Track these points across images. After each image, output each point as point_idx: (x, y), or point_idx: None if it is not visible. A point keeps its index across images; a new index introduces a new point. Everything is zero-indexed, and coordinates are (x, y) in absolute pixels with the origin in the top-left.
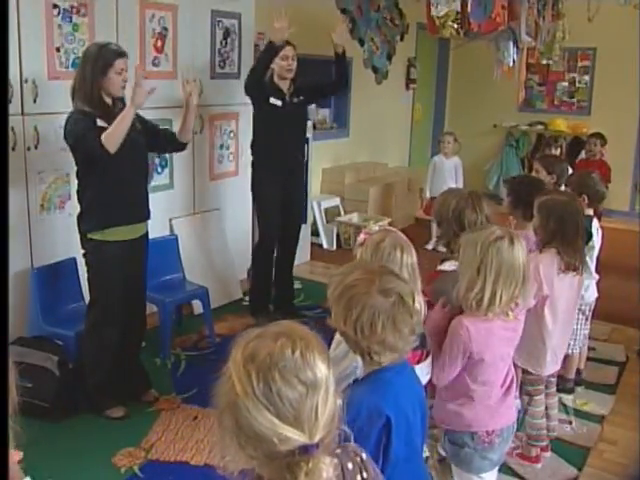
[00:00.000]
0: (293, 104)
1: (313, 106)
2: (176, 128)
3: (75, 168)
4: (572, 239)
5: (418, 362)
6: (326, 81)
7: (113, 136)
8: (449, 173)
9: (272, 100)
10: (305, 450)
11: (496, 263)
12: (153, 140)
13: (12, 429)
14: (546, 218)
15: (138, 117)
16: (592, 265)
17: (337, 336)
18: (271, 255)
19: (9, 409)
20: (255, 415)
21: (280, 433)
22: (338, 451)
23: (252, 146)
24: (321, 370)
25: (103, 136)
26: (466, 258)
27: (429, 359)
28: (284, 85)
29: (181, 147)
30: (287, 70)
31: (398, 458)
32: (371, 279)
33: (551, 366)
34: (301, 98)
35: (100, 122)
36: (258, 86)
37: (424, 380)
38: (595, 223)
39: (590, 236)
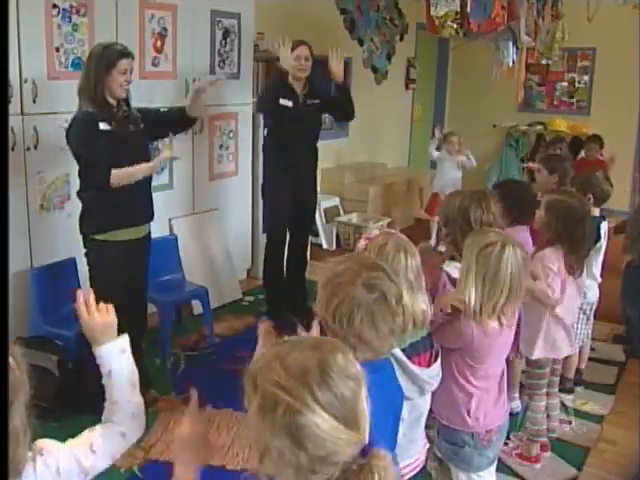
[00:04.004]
0: (306, 105)
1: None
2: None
3: (77, 167)
4: (578, 243)
5: (429, 365)
6: (336, 104)
7: (123, 179)
8: (453, 169)
9: (282, 101)
10: (364, 452)
11: (482, 270)
12: (160, 126)
13: (28, 424)
14: (555, 218)
15: (139, 111)
16: (597, 267)
17: None
18: (281, 254)
19: (23, 404)
20: (324, 427)
21: (346, 439)
22: None
23: (264, 145)
24: (357, 366)
25: (114, 173)
26: (463, 263)
27: (439, 360)
28: (298, 85)
29: (192, 122)
30: (299, 70)
31: None
32: (358, 271)
33: (567, 347)
34: (316, 101)
35: (103, 125)
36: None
37: (436, 382)
38: (604, 225)
39: (598, 238)
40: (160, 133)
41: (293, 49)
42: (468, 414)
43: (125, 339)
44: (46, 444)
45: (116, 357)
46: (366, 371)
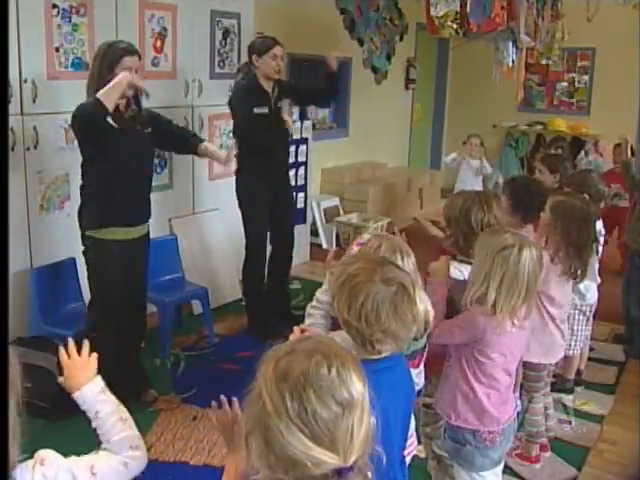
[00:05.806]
0: (277, 108)
1: (312, 106)
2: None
3: (77, 168)
4: (582, 246)
5: (418, 365)
6: (315, 88)
7: (108, 92)
8: (472, 174)
9: (257, 110)
10: (339, 473)
11: (500, 272)
12: (166, 138)
13: (19, 423)
14: (560, 220)
15: (149, 113)
16: (595, 267)
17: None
18: (263, 266)
19: (14, 403)
20: (288, 437)
21: (314, 456)
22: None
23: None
24: (357, 389)
25: (99, 93)
26: (476, 264)
27: (423, 359)
28: (269, 87)
29: (195, 153)
30: (275, 71)
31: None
32: (373, 268)
33: (561, 350)
34: (284, 100)
35: (109, 120)
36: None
37: (421, 382)
38: (599, 225)
39: (595, 237)
40: (165, 146)
41: (268, 48)
42: (473, 412)
43: (99, 378)
44: (48, 455)
45: (99, 397)
46: (381, 371)
